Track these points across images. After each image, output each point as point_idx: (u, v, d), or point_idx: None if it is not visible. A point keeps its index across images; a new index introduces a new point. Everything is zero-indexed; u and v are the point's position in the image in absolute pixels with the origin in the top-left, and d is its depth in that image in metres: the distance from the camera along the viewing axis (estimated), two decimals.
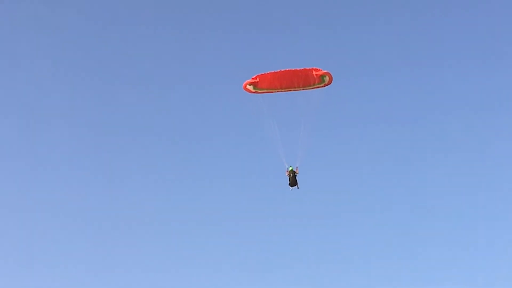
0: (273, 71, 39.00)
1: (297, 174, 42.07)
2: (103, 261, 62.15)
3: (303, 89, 39.69)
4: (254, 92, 40.19)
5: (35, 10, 77.88)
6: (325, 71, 39.55)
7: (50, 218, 65.31)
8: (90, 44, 78.92)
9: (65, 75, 76.69)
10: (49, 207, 66.09)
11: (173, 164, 71.52)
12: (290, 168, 41.95)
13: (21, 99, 74.84)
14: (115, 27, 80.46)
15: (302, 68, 39.22)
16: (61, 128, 73.22)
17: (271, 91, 39.89)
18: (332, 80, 39.78)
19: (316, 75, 39.26)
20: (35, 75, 75.60)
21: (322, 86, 39.73)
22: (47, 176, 69.73)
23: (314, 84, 39.54)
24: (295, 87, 39.59)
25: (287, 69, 39.02)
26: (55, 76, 76.40)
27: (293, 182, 42.08)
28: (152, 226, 65.43)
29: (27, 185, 68.37)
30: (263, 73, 39.32)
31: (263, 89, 39.88)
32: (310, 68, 39.33)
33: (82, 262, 61.57)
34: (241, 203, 67.17)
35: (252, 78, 39.73)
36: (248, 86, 40.06)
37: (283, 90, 39.71)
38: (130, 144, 72.91)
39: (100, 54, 78.86)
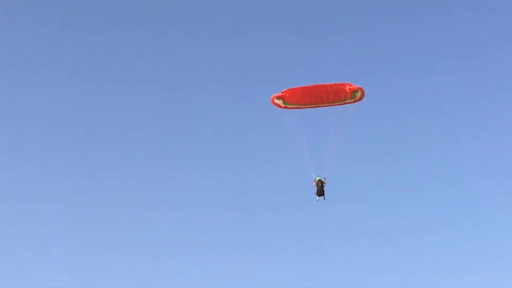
0: (302, 86, 38.31)
1: (324, 184, 41.62)
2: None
3: (333, 105, 38.94)
4: (284, 107, 39.53)
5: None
6: (358, 86, 38.78)
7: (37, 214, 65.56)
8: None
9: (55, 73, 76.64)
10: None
11: (191, 164, 71.24)
12: (318, 178, 41.49)
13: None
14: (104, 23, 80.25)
15: (333, 83, 38.41)
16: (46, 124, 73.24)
17: (300, 106, 39.16)
18: (363, 95, 38.96)
19: (348, 89, 38.48)
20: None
21: (352, 102, 38.97)
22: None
23: (345, 100, 38.80)
24: (325, 103, 38.83)
25: (317, 84, 38.26)
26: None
27: (320, 192, 41.62)
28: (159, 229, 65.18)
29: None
30: (292, 87, 38.63)
31: (292, 104, 39.15)
32: (342, 83, 38.52)
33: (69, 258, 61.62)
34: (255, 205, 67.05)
35: (282, 92, 39.02)
36: (276, 101, 39.38)
37: (313, 105, 39.00)
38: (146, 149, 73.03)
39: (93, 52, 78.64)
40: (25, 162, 69.02)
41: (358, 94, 38.82)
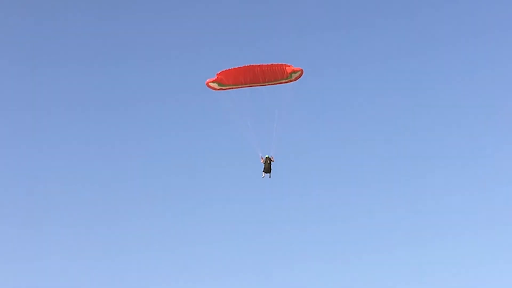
0: (237, 67, 38.24)
1: (273, 162, 41.85)
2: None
3: (268, 84, 39.03)
4: (218, 89, 39.58)
5: None
6: (298, 67, 38.95)
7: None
8: None
9: None
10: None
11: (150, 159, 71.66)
12: (266, 156, 41.59)
13: None
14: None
15: (272, 63, 38.40)
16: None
17: (236, 86, 39.25)
18: (300, 76, 39.04)
19: (289, 70, 38.64)
20: None
21: (286, 82, 39.08)
22: None
23: (280, 80, 38.93)
24: (260, 82, 38.93)
25: (253, 64, 38.21)
26: None
27: (267, 169, 41.79)
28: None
29: None
30: (226, 69, 38.62)
31: (227, 86, 39.28)
32: (282, 63, 38.57)
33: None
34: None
35: (216, 75, 39.14)
36: (211, 84, 39.51)
37: (247, 85, 39.04)
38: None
39: None
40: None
41: (295, 75, 38.98)
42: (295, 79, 38.96)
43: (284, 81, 38.89)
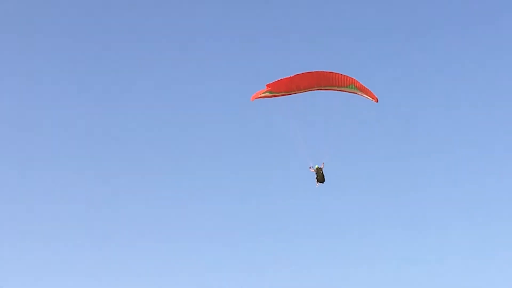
0: (289, 76, 37.44)
1: (322, 168, 41.46)
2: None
3: (324, 89, 38.54)
4: (271, 97, 38.68)
5: None
6: (374, 95, 38.46)
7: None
8: None
9: None
10: None
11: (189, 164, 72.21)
12: (316, 166, 41.42)
13: None
14: None
15: (321, 70, 37.86)
16: None
17: (288, 93, 38.55)
18: (357, 93, 38.54)
19: (350, 81, 38.03)
20: None
21: (338, 90, 38.42)
22: None
23: (337, 86, 38.29)
24: (320, 86, 38.26)
25: (306, 72, 37.61)
26: None
27: (321, 179, 41.57)
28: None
29: None
30: (276, 80, 37.77)
31: (280, 92, 38.48)
32: (347, 75, 38.05)
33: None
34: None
35: (267, 85, 38.18)
36: (261, 95, 38.62)
37: (301, 90, 38.42)
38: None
39: None
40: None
41: (354, 88, 38.38)
42: (353, 92, 38.53)
43: (338, 89, 38.50)
